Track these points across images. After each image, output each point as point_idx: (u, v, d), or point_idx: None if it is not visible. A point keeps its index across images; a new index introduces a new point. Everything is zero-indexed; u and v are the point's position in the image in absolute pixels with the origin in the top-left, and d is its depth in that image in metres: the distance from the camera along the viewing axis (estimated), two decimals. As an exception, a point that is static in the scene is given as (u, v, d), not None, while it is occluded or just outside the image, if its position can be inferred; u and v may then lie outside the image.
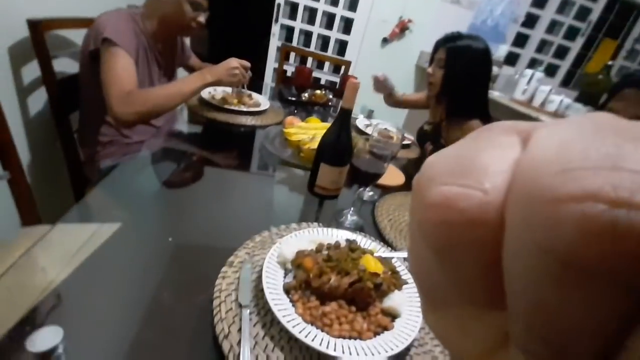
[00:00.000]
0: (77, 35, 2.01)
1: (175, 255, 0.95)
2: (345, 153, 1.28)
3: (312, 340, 0.70)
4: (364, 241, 1.07)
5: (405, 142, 2.10)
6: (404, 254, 1.07)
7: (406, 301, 0.88)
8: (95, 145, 1.90)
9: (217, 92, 2.06)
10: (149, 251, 0.95)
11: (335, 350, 0.70)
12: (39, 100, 1.93)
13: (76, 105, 1.98)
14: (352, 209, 1.29)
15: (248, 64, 1.80)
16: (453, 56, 1.96)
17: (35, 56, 1.77)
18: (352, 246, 0.97)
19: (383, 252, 1.05)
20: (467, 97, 2.02)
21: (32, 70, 1.82)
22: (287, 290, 0.83)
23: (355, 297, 0.82)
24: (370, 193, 1.51)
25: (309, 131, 1.64)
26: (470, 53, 1.94)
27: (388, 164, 1.24)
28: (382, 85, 2.50)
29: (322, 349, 0.69)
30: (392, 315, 0.84)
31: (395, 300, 0.84)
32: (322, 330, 0.75)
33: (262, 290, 0.80)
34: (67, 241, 0.91)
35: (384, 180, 1.58)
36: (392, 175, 1.65)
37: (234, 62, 1.60)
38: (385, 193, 1.52)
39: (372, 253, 0.98)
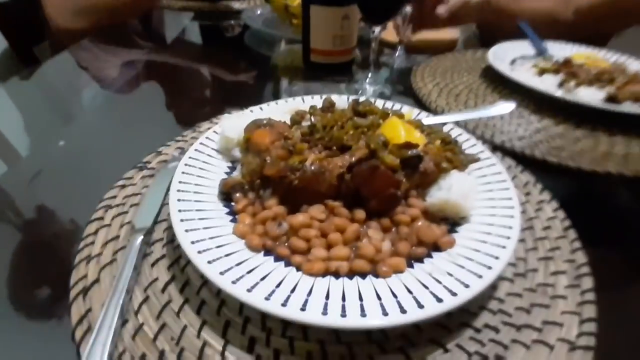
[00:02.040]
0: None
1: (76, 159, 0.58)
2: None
3: (253, 289, 0.30)
4: (388, 105, 0.59)
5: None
6: (466, 115, 0.57)
7: (480, 189, 0.42)
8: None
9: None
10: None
11: (307, 307, 0.28)
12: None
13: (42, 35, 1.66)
14: (369, 74, 0.80)
15: None
16: None
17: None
18: (360, 108, 0.51)
19: (426, 117, 0.57)
20: None
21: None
22: (228, 194, 0.42)
23: (362, 191, 0.38)
24: (400, 56, 0.97)
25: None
26: None
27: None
28: None
29: (277, 309, 0.28)
30: (450, 220, 0.39)
31: (454, 188, 0.39)
32: (288, 265, 0.34)
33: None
34: None
35: (426, 36, 1.02)
36: (439, 31, 1.07)
37: None
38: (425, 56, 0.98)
39: (400, 116, 0.50)
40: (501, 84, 0.79)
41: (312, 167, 0.37)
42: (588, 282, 0.36)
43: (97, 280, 0.35)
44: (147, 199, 0.44)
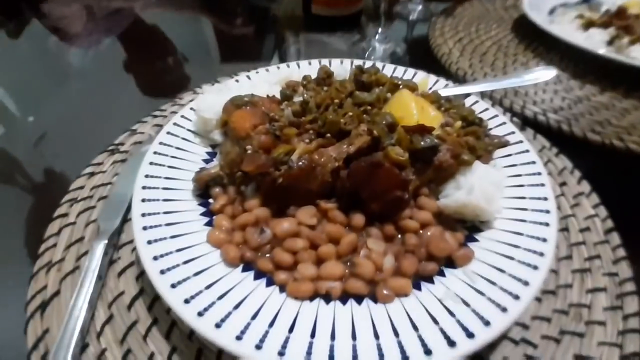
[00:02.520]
0: None
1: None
2: None
3: (224, 322, 0.25)
4: (399, 72, 0.50)
5: None
6: (493, 84, 0.48)
7: (508, 183, 0.34)
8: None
9: None
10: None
11: (287, 350, 0.23)
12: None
13: None
14: (379, 30, 0.68)
15: None
16: None
17: None
18: (365, 78, 0.42)
19: (444, 87, 0.47)
20: None
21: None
22: (206, 188, 0.36)
23: (362, 192, 0.31)
24: (417, 4, 0.83)
25: None
26: None
27: None
28: None
29: (249, 351, 0.23)
30: (468, 223, 0.32)
31: (475, 190, 0.31)
32: (270, 284, 0.29)
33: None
34: None
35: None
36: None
37: None
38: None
39: (412, 88, 0.41)
40: (537, 40, 0.67)
41: (300, 163, 0.30)
42: (633, 304, 0.30)
43: (57, 293, 0.31)
44: (115, 191, 0.39)
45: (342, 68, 0.46)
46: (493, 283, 0.27)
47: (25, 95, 0.63)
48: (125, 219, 0.36)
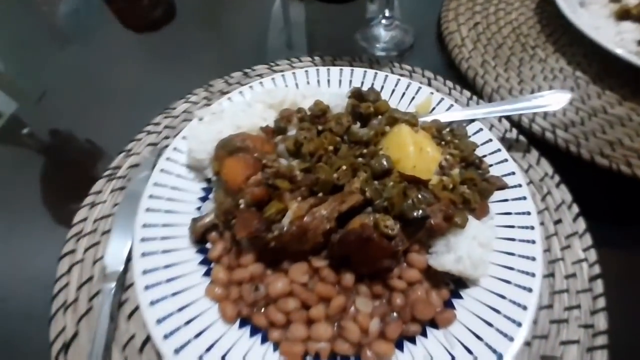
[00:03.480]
0: None
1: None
2: None
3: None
4: (402, 85, 0.47)
5: None
6: (501, 108, 0.45)
7: (499, 234, 0.35)
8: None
9: None
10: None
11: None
12: None
13: None
14: (386, 12, 0.61)
15: None
16: None
17: None
18: (362, 109, 0.40)
19: (448, 110, 0.45)
20: None
21: None
22: (202, 236, 0.37)
23: (352, 258, 0.32)
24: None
25: None
26: None
27: None
28: None
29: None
30: (455, 276, 0.33)
31: (464, 259, 0.32)
32: (265, 341, 0.31)
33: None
34: None
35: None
36: None
37: None
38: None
39: (412, 123, 0.39)
40: (561, 27, 0.60)
41: (292, 229, 0.31)
42: (601, 358, 0.32)
43: (76, 334, 0.34)
44: (116, 228, 0.40)
45: (338, 97, 0.43)
46: (470, 352, 0.29)
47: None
48: (130, 258, 0.38)
